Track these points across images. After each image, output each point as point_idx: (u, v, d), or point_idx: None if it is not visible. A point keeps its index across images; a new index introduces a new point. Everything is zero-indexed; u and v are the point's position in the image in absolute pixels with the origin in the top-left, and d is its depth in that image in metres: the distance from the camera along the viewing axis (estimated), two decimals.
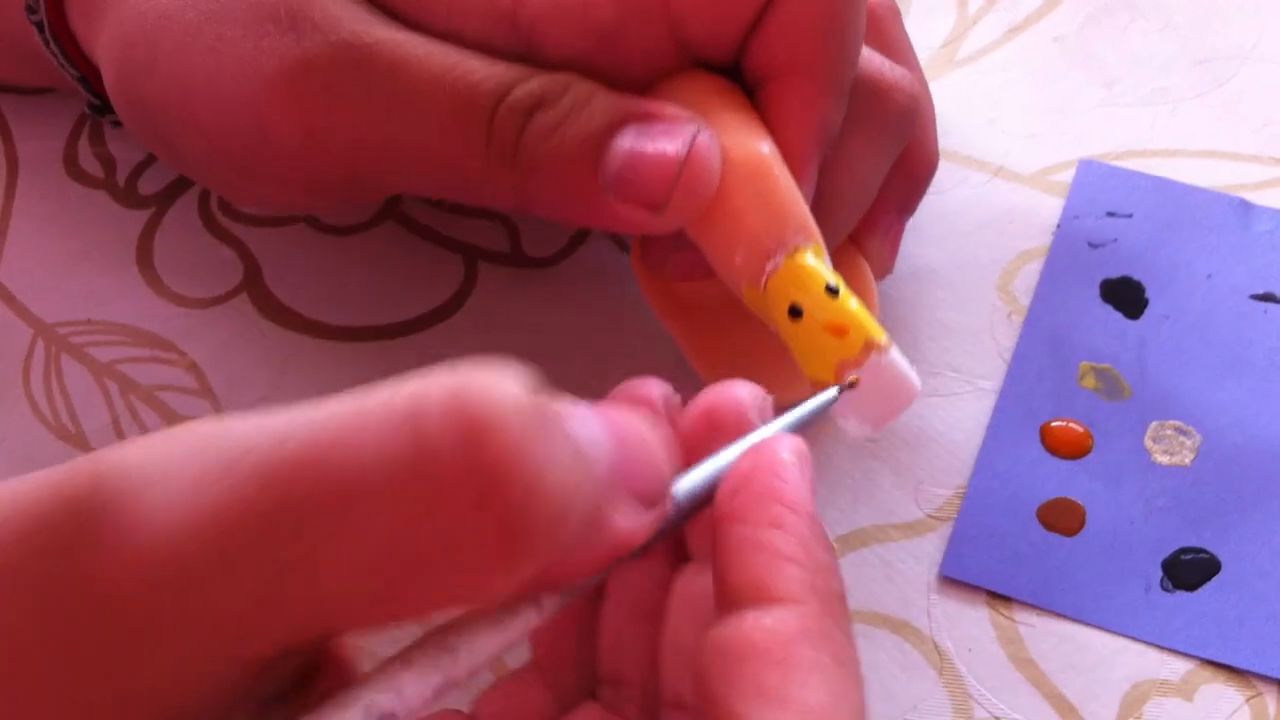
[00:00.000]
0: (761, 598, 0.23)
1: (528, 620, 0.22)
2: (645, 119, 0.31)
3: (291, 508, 0.19)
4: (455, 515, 0.19)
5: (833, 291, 0.30)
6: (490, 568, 0.19)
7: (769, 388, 0.26)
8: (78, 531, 0.19)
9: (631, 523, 0.22)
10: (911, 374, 0.30)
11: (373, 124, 0.32)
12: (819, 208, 0.33)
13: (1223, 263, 0.39)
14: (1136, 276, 0.39)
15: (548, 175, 0.31)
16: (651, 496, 0.22)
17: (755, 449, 0.24)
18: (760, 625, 0.22)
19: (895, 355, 0.29)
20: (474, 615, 0.21)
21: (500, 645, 0.21)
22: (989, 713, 0.33)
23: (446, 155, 0.32)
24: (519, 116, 0.31)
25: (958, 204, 0.41)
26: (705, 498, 0.24)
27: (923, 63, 0.38)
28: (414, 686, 0.20)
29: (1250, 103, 0.42)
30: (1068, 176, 0.41)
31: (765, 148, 0.32)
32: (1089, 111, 0.42)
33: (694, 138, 0.31)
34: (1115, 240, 0.40)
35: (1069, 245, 0.40)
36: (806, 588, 0.23)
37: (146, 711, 0.19)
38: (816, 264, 0.30)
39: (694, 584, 0.25)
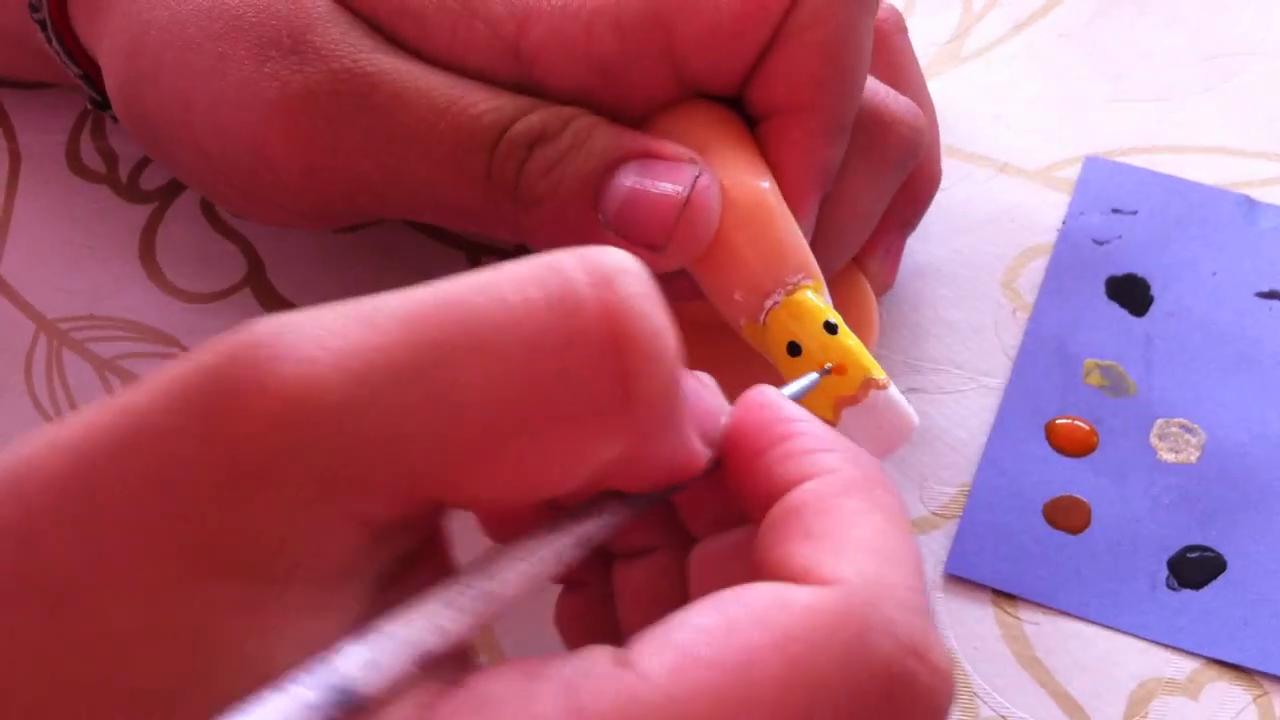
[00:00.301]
0: (800, 483, 0.23)
1: (586, 531, 0.23)
2: (646, 157, 0.31)
3: (428, 347, 0.20)
4: (583, 360, 0.20)
5: (831, 329, 0.30)
6: (603, 421, 0.21)
7: None
8: (221, 379, 0.20)
9: (699, 447, 0.23)
10: (909, 410, 0.30)
11: (373, 155, 0.32)
12: (818, 241, 0.33)
13: (1228, 260, 0.39)
14: (1141, 274, 0.39)
15: (547, 211, 0.31)
16: (709, 437, 0.24)
17: (739, 402, 0.25)
18: (803, 489, 0.23)
19: (893, 392, 0.30)
20: (533, 533, 0.22)
21: (553, 555, 0.22)
22: (994, 711, 0.33)
23: (446, 187, 0.32)
24: (519, 151, 0.31)
25: (962, 200, 0.40)
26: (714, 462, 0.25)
27: (927, 59, 0.38)
28: (484, 586, 0.21)
29: (1257, 99, 0.42)
30: (1073, 173, 0.41)
31: (765, 185, 0.32)
32: (1095, 107, 0.42)
33: (695, 180, 0.31)
34: (1120, 237, 0.39)
35: (1074, 242, 0.39)
36: (842, 460, 0.23)
37: (264, 559, 0.20)
38: (816, 301, 0.31)
39: (712, 548, 0.25)
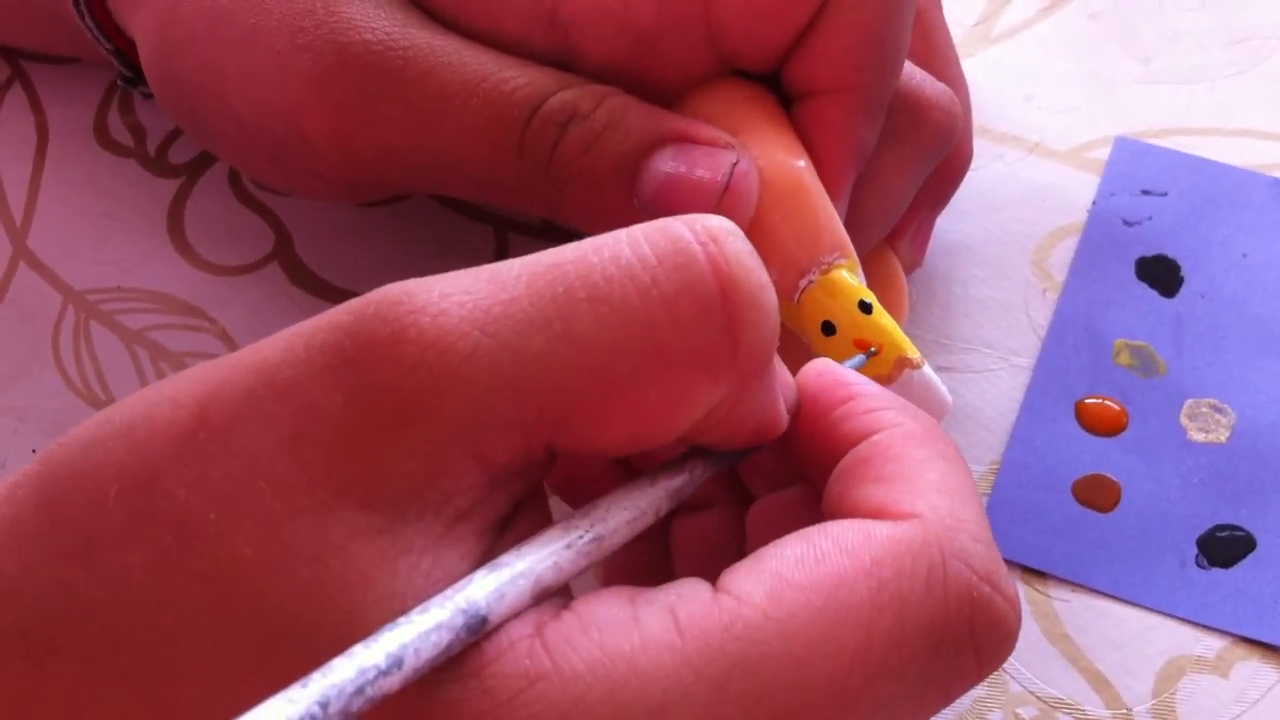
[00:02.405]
0: (864, 439, 0.25)
1: (678, 485, 0.24)
2: (683, 140, 0.31)
3: (549, 300, 0.21)
4: (695, 309, 0.21)
5: (866, 308, 0.30)
6: (711, 368, 0.22)
7: None
8: (359, 333, 0.21)
9: (784, 407, 0.24)
10: (943, 389, 0.30)
11: (404, 129, 0.32)
12: (851, 223, 0.33)
13: (1259, 241, 0.39)
14: (1172, 254, 0.39)
15: (581, 191, 0.31)
16: (790, 402, 0.25)
17: (802, 372, 0.26)
18: (870, 442, 0.24)
19: (928, 371, 0.30)
20: (625, 485, 0.24)
21: (650, 506, 0.24)
22: (1023, 687, 0.33)
23: (478, 162, 0.32)
24: (553, 129, 0.31)
25: (993, 180, 0.40)
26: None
27: (958, 39, 0.38)
28: (578, 534, 0.23)
29: None
30: (1103, 154, 0.41)
31: (801, 164, 0.32)
32: (1125, 88, 0.42)
33: (733, 166, 0.31)
34: (1150, 218, 0.39)
35: (1104, 222, 0.39)
36: (903, 415, 0.25)
37: (396, 496, 0.21)
38: (850, 280, 0.31)
39: (772, 503, 0.27)
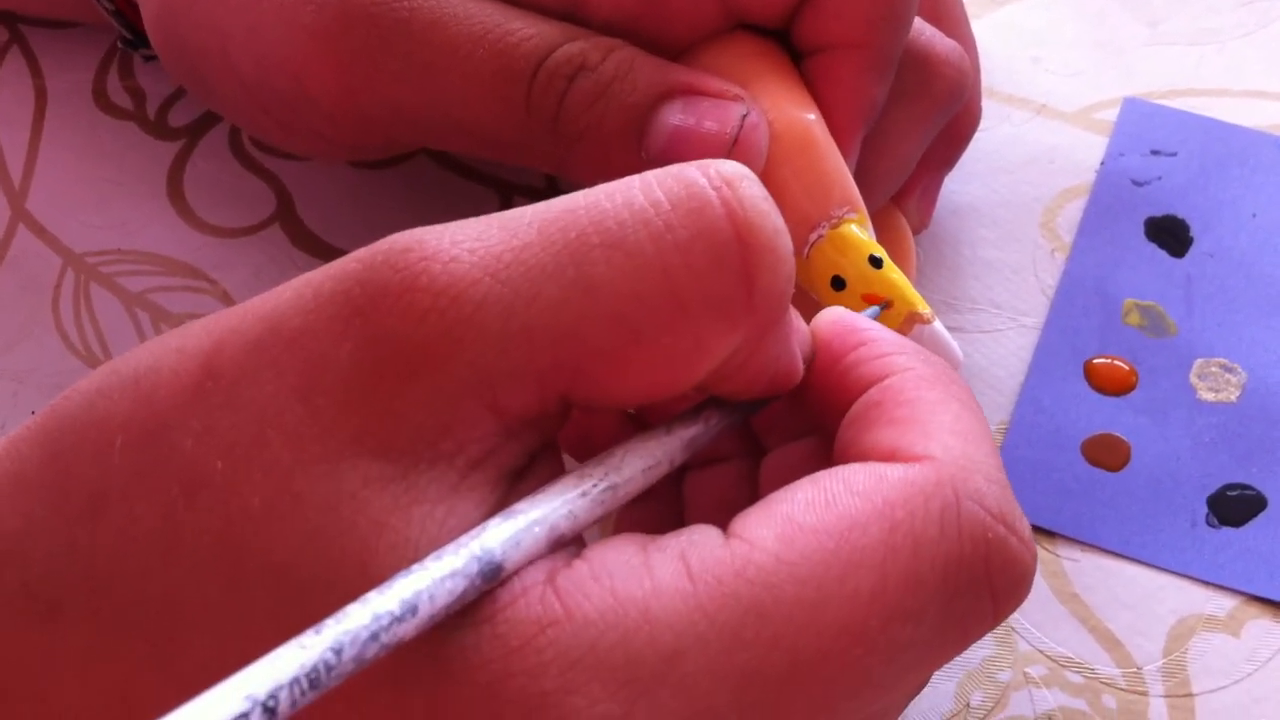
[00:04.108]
0: (875, 384, 0.24)
1: (693, 435, 0.24)
2: (692, 93, 0.31)
3: (562, 247, 0.21)
4: (710, 254, 0.21)
5: (876, 263, 0.30)
6: (727, 314, 0.21)
7: None
8: (369, 281, 0.21)
9: (799, 357, 0.24)
10: (954, 345, 0.30)
11: (410, 83, 0.31)
12: (859, 180, 0.33)
13: (1269, 202, 0.39)
14: (1181, 215, 0.38)
15: (589, 145, 0.31)
16: (805, 351, 0.25)
17: (814, 320, 0.26)
18: (882, 386, 0.24)
19: (938, 326, 0.30)
20: (640, 435, 0.23)
21: (665, 455, 0.23)
22: (1033, 646, 0.32)
23: (484, 117, 0.31)
24: (560, 82, 0.31)
25: (1001, 142, 0.40)
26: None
27: (967, 0, 0.38)
28: (592, 482, 0.22)
29: None
30: (1112, 115, 0.40)
31: (811, 117, 0.31)
32: (1134, 50, 0.42)
33: (743, 118, 0.30)
34: (1159, 178, 0.39)
35: (1113, 183, 0.39)
36: (915, 359, 0.24)
37: (409, 445, 0.21)
38: (860, 235, 0.30)
39: (785, 454, 0.26)
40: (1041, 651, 0.32)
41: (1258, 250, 0.38)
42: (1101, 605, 0.33)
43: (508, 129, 0.31)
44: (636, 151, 0.31)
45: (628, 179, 0.22)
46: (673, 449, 0.23)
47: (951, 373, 0.25)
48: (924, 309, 0.30)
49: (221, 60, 0.34)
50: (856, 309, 0.30)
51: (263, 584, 0.20)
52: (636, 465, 0.23)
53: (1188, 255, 0.38)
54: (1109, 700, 0.32)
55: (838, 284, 0.30)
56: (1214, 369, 0.36)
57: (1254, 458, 0.34)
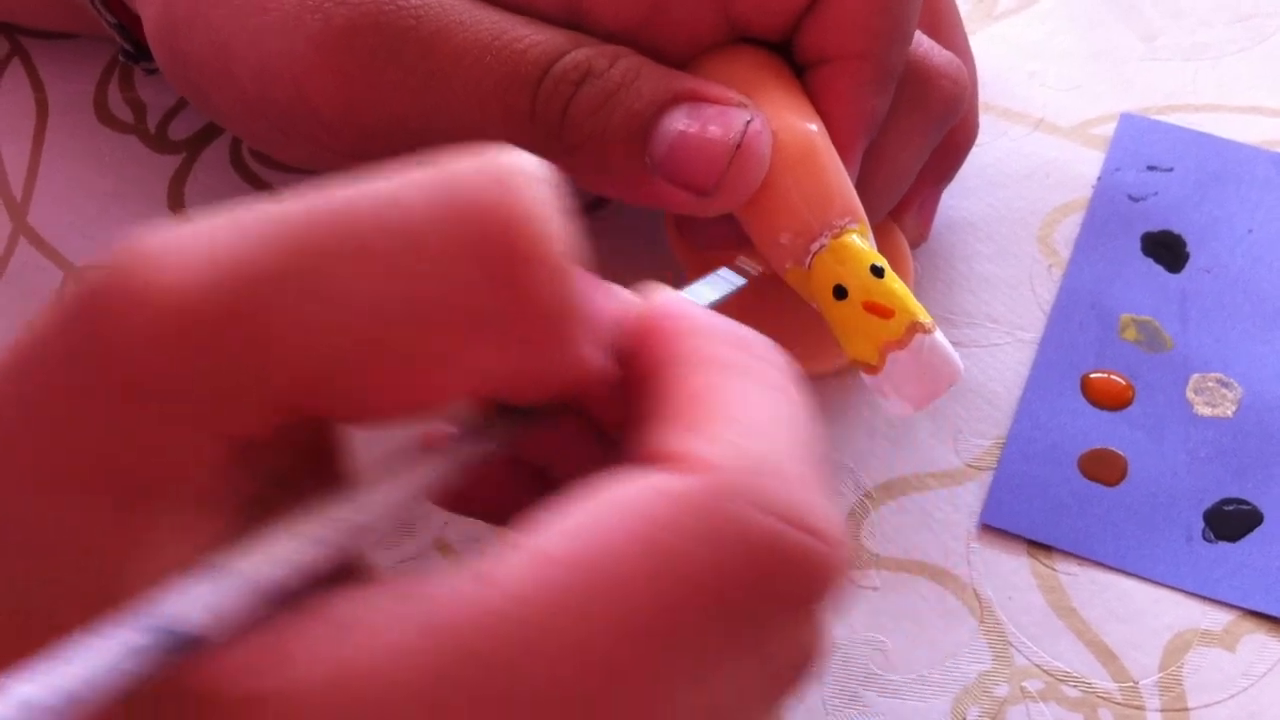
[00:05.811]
0: (668, 369, 0.22)
1: (466, 451, 0.21)
2: (696, 100, 0.31)
3: (299, 254, 0.19)
4: (471, 264, 0.19)
5: (878, 272, 0.30)
6: (488, 328, 0.19)
7: (798, 357, 0.26)
8: (99, 296, 0.19)
9: (592, 354, 0.21)
10: (954, 355, 0.30)
11: (415, 92, 0.31)
12: (859, 192, 0.33)
13: (1264, 217, 0.39)
14: (1177, 230, 0.39)
15: (593, 152, 0.31)
16: (605, 344, 0.22)
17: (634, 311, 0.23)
18: (672, 376, 0.22)
19: (939, 336, 0.30)
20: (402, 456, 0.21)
21: (430, 477, 0.21)
22: (1029, 660, 0.33)
23: (489, 126, 0.31)
24: (565, 88, 0.31)
25: (998, 156, 0.40)
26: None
27: (963, 15, 0.38)
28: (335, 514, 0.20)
29: None
30: (1108, 130, 0.41)
31: (813, 127, 0.32)
32: (1130, 65, 0.42)
33: (747, 124, 0.30)
34: (1156, 194, 0.39)
35: (1109, 198, 0.39)
36: (720, 342, 0.22)
37: (128, 478, 0.19)
38: (862, 245, 0.31)
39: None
40: (1038, 666, 0.33)
41: (1253, 265, 0.38)
42: (1098, 619, 0.33)
43: (511, 138, 0.31)
44: (641, 158, 0.31)
45: (395, 175, 0.20)
46: (434, 470, 0.21)
47: (765, 354, 0.22)
48: (925, 319, 0.30)
49: (223, 69, 0.34)
50: (858, 319, 0.30)
51: None
52: (377, 496, 0.20)
53: (1184, 270, 0.38)
54: (1106, 714, 0.32)
55: (839, 293, 0.30)
56: (1210, 384, 0.36)
57: (1250, 472, 0.35)
